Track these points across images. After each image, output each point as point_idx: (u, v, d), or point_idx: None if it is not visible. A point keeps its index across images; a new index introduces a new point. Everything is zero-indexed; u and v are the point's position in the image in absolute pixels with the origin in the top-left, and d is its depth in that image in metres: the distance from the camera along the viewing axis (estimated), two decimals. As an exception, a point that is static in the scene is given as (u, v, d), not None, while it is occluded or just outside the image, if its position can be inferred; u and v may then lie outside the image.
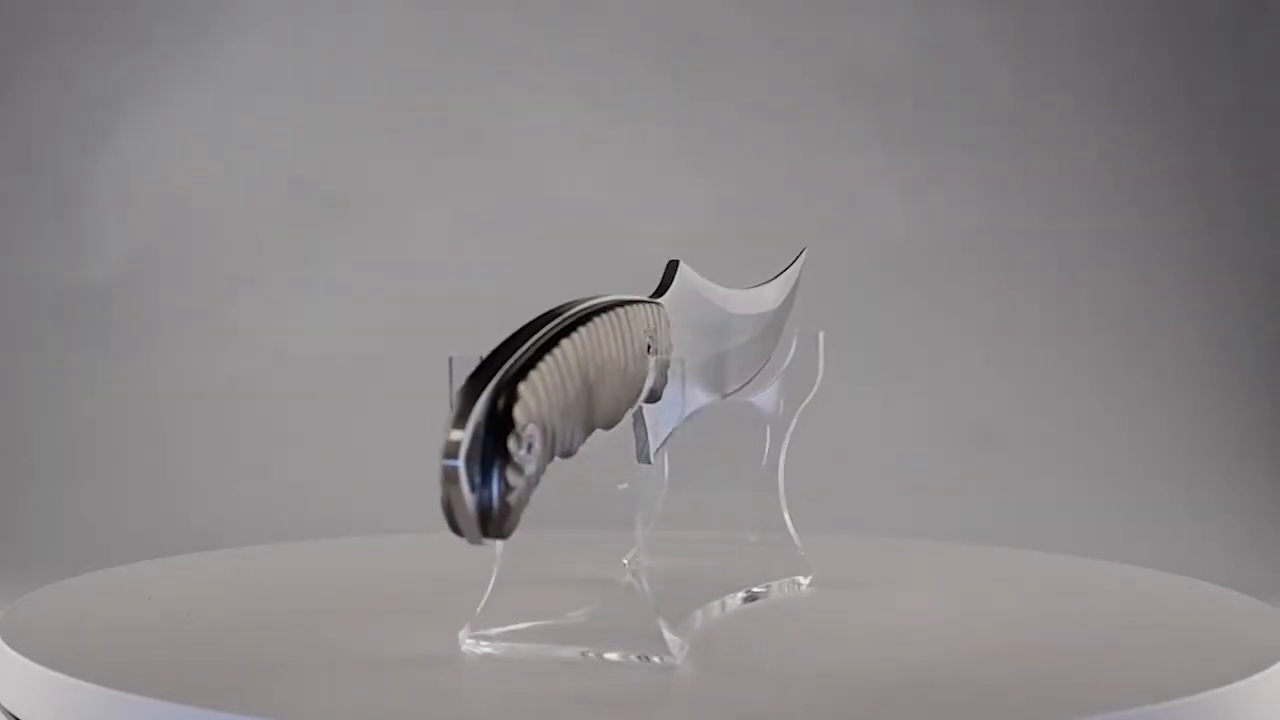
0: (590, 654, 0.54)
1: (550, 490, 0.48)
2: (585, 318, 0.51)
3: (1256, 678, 0.54)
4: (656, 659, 0.53)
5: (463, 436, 0.45)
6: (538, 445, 0.47)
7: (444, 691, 0.52)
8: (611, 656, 0.54)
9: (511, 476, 0.46)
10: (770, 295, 0.69)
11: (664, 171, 1.44)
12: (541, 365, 0.48)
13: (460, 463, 0.45)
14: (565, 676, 0.53)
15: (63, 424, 1.29)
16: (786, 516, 0.68)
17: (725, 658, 0.56)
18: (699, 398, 0.62)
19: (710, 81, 1.46)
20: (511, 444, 0.46)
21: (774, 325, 0.69)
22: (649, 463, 0.58)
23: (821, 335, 0.68)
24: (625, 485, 0.54)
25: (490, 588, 0.55)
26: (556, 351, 0.49)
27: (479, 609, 0.55)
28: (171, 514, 1.20)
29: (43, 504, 1.23)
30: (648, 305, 0.57)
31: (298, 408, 1.29)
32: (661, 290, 0.60)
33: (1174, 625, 0.65)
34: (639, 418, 0.57)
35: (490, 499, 0.46)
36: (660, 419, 0.58)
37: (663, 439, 0.59)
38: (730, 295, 0.65)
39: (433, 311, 1.32)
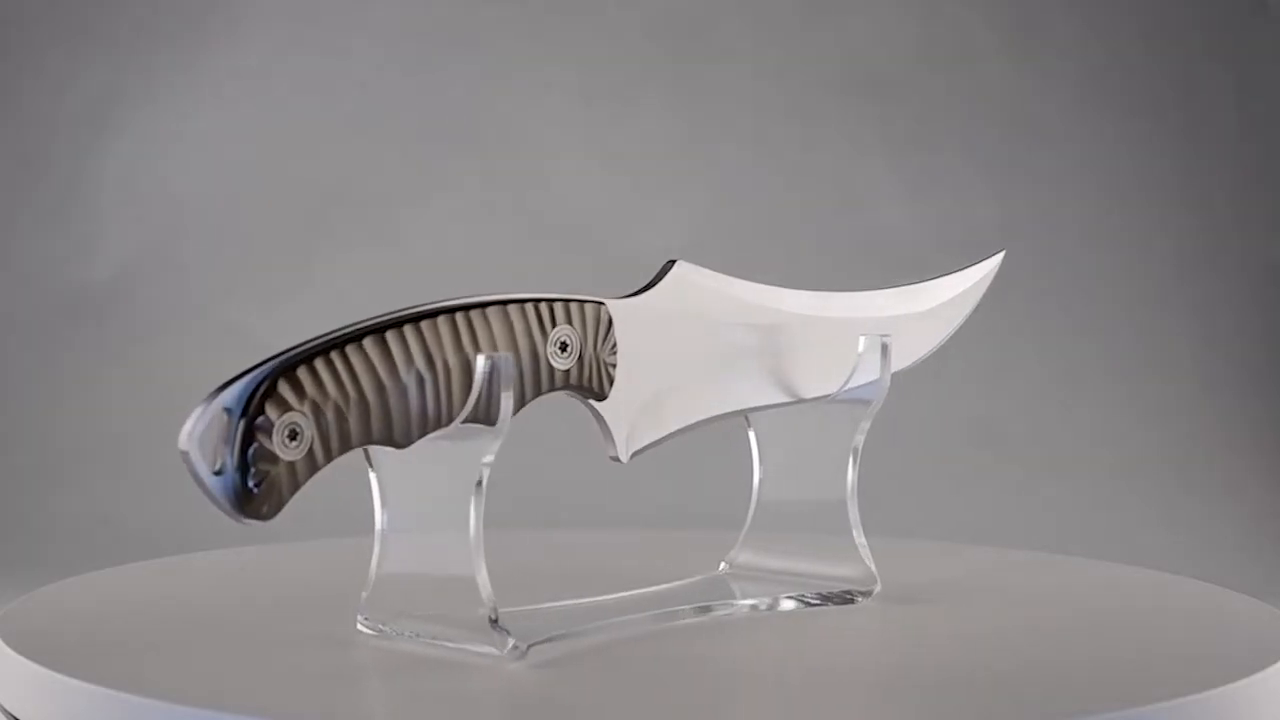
0: (435, 643, 0.56)
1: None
2: (428, 315, 0.54)
3: (1256, 678, 0.54)
4: (496, 651, 0.55)
5: (194, 421, 0.49)
6: (308, 434, 0.51)
7: (294, 666, 0.56)
8: (450, 646, 0.56)
9: (262, 463, 0.50)
10: (906, 296, 0.67)
11: (664, 171, 1.44)
12: (320, 361, 0.51)
13: (187, 445, 0.49)
14: (393, 659, 0.56)
15: (63, 424, 1.29)
16: (856, 530, 0.66)
17: (595, 657, 0.57)
18: (730, 398, 0.62)
19: (710, 81, 1.46)
20: (261, 432, 0.50)
21: (913, 326, 0.67)
22: (618, 461, 0.59)
23: (885, 340, 0.66)
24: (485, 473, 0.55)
25: (373, 579, 0.58)
26: (351, 348, 0.52)
27: (363, 596, 0.58)
28: (171, 514, 1.20)
29: (43, 504, 1.23)
30: (568, 304, 0.57)
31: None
32: (645, 289, 0.60)
33: (1174, 625, 0.65)
34: (598, 416, 0.58)
35: (235, 483, 0.50)
36: (641, 419, 0.59)
37: (645, 441, 0.59)
38: (792, 297, 0.64)
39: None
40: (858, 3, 1.47)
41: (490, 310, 0.56)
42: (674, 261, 0.61)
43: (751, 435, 0.67)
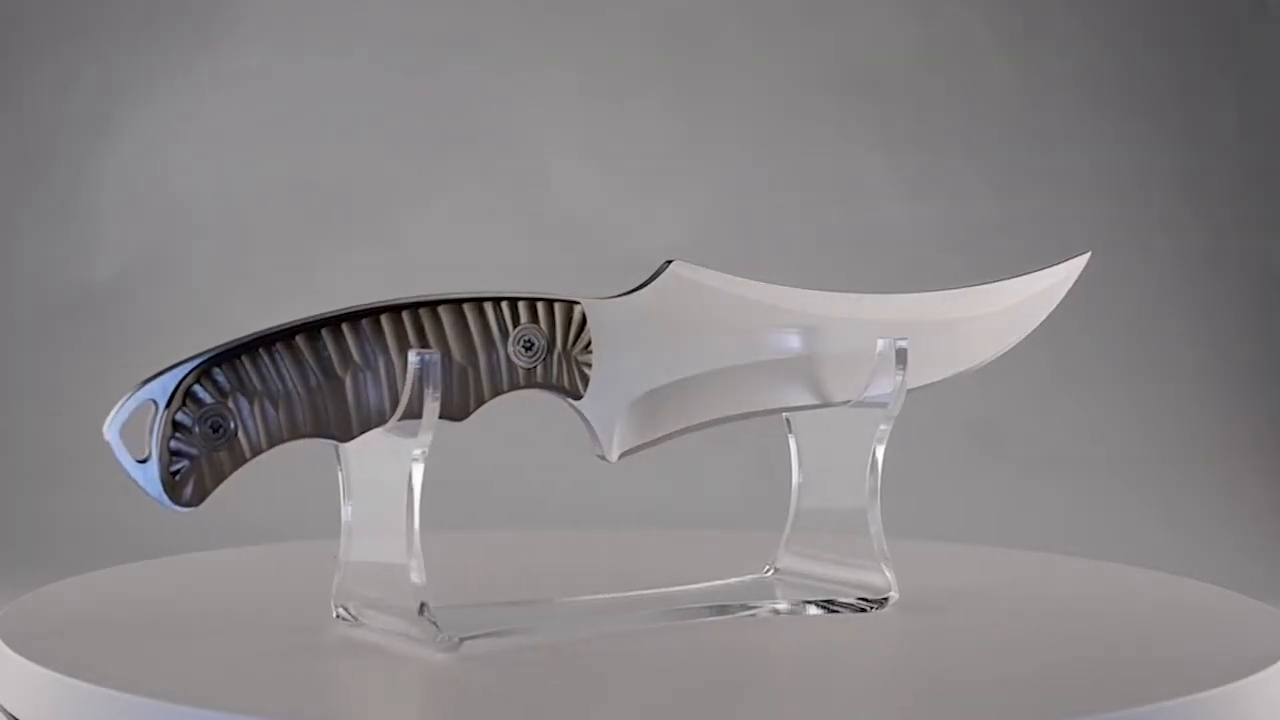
0: (386, 631, 0.59)
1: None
2: (369, 313, 0.56)
3: (1256, 678, 0.54)
4: (425, 638, 0.57)
5: (117, 411, 0.53)
6: (232, 426, 0.54)
7: (285, 661, 0.57)
8: (395, 634, 0.58)
9: (183, 453, 0.54)
10: (973, 297, 0.66)
11: (665, 171, 1.44)
12: (248, 356, 0.54)
13: (109, 435, 0.53)
14: (340, 647, 0.58)
15: (63, 424, 1.29)
16: (876, 537, 0.64)
17: (530, 653, 0.58)
18: (732, 401, 0.61)
19: (710, 81, 1.46)
20: (183, 423, 0.53)
21: (970, 329, 0.66)
22: (606, 460, 0.60)
23: (901, 344, 0.63)
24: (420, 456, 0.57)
25: (341, 569, 0.60)
26: (283, 345, 0.55)
27: (334, 587, 0.60)
28: (171, 514, 1.20)
29: (43, 504, 1.23)
30: (534, 303, 0.58)
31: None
32: (637, 289, 0.60)
33: (1174, 625, 0.65)
34: (580, 414, 0.59)
35: (158, 472, 0.53)
36: (631, 419, 0.59)
37: (636, 441, 0.60)
38: (812, 298, 0.63)
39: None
40: (858, 2, 1.47)
41: (442, 309, 0.57)
42: (670, 261, 0.61)
43: (791, 440, 0.66)
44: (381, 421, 0.56)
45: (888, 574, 0.64)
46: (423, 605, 0.56)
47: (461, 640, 0.57)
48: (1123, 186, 1.46)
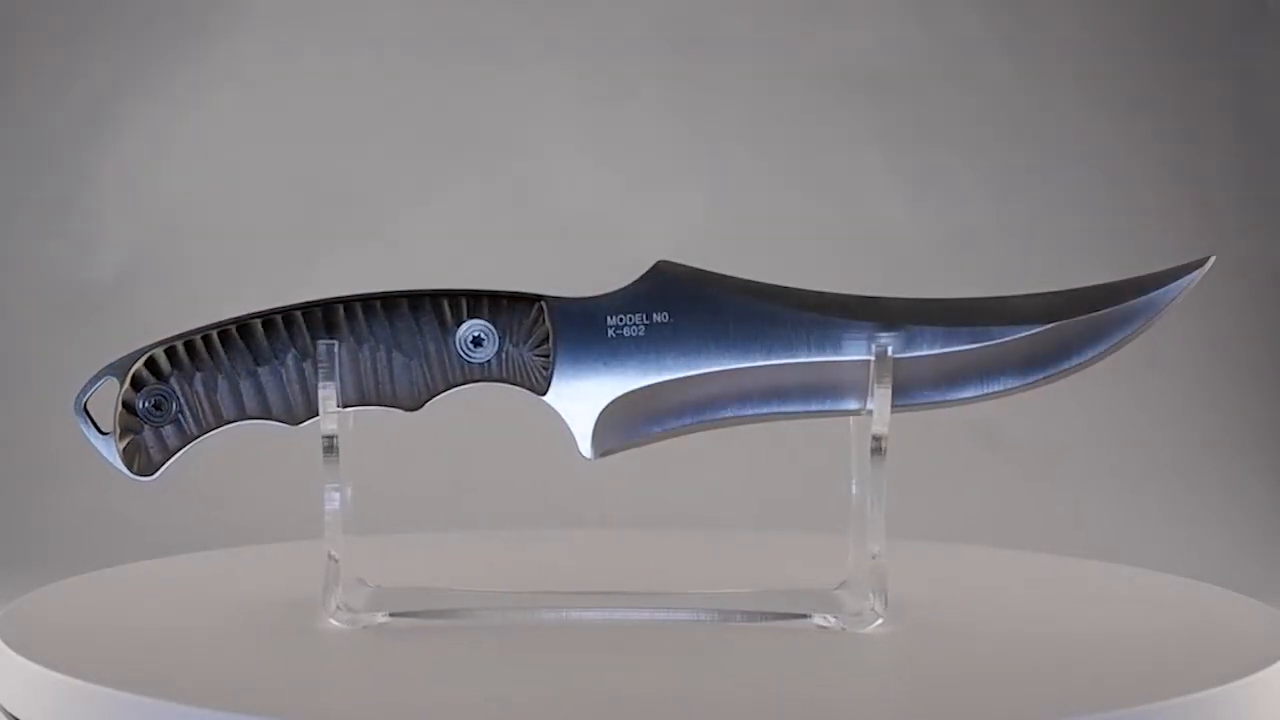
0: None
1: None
2: (308, 307, 0.61)
3: (1256, 677, 0.54)
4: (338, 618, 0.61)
5: (83, 387, 0.60)
6: (173, 405, 0.60)
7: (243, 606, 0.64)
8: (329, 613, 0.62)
9: (129, 427, 0.60)
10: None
11: (666, 171, 1.44)
12: (187, 344, 0.60)
13: (73, 408, 0.61)
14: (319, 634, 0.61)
15: (63, 424, 1.29)
16: (877, 554, 0.61)
17: (450, 634, 0.60)
18: (723, 405, 0.61)
19: (711, 78, 1.46)
20: (130, 400, 0.60)
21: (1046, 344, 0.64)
22: (585, 457, 0.60)
23: (886, 345, 0.62)
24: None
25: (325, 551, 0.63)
26: (225, 334, 0.60)
27: (324, 567, 0.63)
28: (171, 514, 1.20)
29: (43, 504, 1.23)
30: (485, 299, 0.60)
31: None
32: (618, 290, 0.60)
33: (1174, 625, 0.65)
34: (551, 410, 0.60)
35: (113, 443, 0.60)
36: (614, 418, 0.59)
37: (619, 441, 0.60)
38: (831, 298, 0.62)
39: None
40: (858, 2, 1.47)
41: (382, 304, 0.60)
42: (660, 263, 0.61)
43: (854, 446, 0.64)
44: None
45: (874, 597, 0.61)
46: (335, 581, 0.60)
47: (382, 617, 0.60)
48: (1123, 187, 1.46)
